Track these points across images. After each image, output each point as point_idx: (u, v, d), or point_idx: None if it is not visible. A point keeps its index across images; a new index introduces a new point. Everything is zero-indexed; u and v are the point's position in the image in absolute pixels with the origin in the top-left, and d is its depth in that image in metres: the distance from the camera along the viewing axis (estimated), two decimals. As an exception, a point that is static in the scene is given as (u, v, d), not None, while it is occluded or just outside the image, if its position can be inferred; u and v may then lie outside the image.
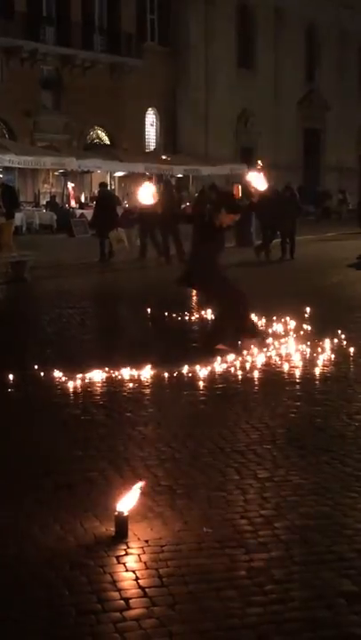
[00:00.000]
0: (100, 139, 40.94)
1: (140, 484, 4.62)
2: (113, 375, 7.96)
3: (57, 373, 7.95)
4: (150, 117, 43.45)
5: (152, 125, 43.73)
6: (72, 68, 37.87)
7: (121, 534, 4.28)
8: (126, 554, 4.13)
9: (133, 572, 3.94)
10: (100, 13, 39.40)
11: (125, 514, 4.32)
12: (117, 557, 4.09)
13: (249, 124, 47.66)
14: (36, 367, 8.17)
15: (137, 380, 7.85)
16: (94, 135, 40.86)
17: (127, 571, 3.96)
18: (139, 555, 4.12)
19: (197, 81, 44.13)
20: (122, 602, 3.66)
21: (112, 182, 37.92)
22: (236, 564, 4.06)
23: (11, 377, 7.87)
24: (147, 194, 15.17)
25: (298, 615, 3.59)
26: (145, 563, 4.03)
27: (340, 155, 53.77)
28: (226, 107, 44.68)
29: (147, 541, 4.27)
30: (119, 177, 39.39)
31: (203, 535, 4.36)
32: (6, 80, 35.78)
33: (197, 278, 9.40)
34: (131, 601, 3.66)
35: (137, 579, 3.87)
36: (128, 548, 4.19)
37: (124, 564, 4.03)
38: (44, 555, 4.14)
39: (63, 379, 7.83)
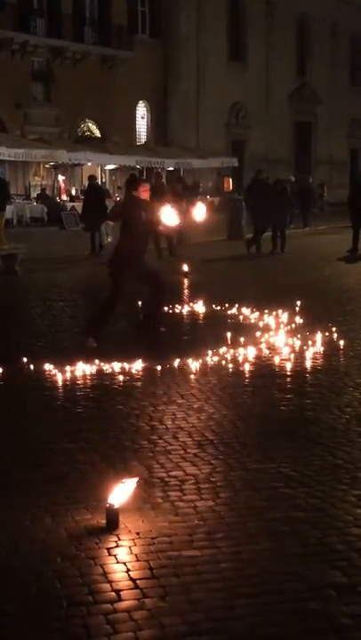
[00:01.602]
0: (90, 131, 40.79)
1: (136, 479, 4.62)
2: (104, 368, 7.96)
3: (48, 366, 7.94)
4: (141, 110, 43.32)
5: (143, 118, 43.60)
6: (63, 60, 37.69)
7: (112, 526, 4.29)
8: (117, 546, 4.14)
9: (124, 563, 3.95)
10: (90, 5, 39.19)
11: (116, 506, 4.33)
12: (108, 549, 4.10)
13: (240, 117, 47.59)
14: (26, 360, 8.16)
15: (128, 373, 7.85)
16: (85, 128, 40.71)
17: (118, 562, 3.97)
18: (130, 547, 4.12)
19: (188, 74, 44.01)
20: (113, 594, 3.66)
21: (103, 175, 37.82)
22: (227, 555, 4.06)
23: (0, 370, 7.86)
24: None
25: (288, 607, 3.60)
26: (136, 555, 4.04)
27: (331, 148, 53.81)
28: (217, 100, 44.58)
29: (138, 533, 4.27)
30: (110, 170, 39.31)
31: (193, 527, 4.37)
32: (-4, 72, 35.66)
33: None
34: (122, 592, 3.67)
35: (128, 570, 3.88)
36: (119, 539, 4.20)
37: (115, 555, 4.03)
38: (34, 546, 4.14)
39: (54, 371, 7.82)
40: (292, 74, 51.68)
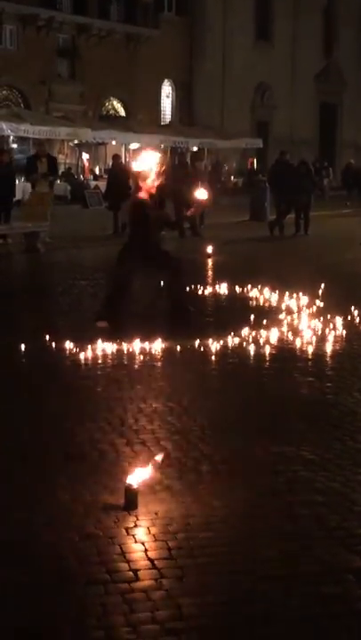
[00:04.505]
0: (115, 110, 40.68)
1: (155, 459, 4.63)
2: (124, 348, 7.95)
3: (69, 345, 7.93)
4: (166, 89, 43.11)
5: (168, 97, 43.41)
6: (88, 37, 37.55)
7: (130, 506, 4.29)
8: (136, 526, 4.14)
9: (142, 543, 3.95)
10: (117, -18, 39.08)
11: (135, 486, 4.32)
12: (127, 529, 4.10)
13: (265, 97, 47.25)
14: (47, 338, 8.16)
15: (148, 353, 7.84)
16: (109, 106, 40.60)
17: (136, 542, 3.97)
18: (148, 527, 4.13)
19: (214, 53, 43.70)
20: (130, 573, 3.67)
21: (127, 155, 37.73)
22: (244, 538, 4.06)
23: (22, 347, 7.87)
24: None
25: (305, 590, 3.59)
26: (154, 535, 4.04)
27: (356, 131, 53.31)
28: (242, 79, 44.25)
29: (156, 514, 4.27)
30: (134, 149, 39.22)
31: (211, 508, 4.37)
32: (22, 48, 35.57)
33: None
34: (139, 572, 3.67)
35: (146, 550, 3.88)
36: (137, 520, 4.20)
37: (133, 535, 4.04)
38: (53, 525, 4.15)
39: (75, 350, 7.82)
40: (319, 54, 51.13)
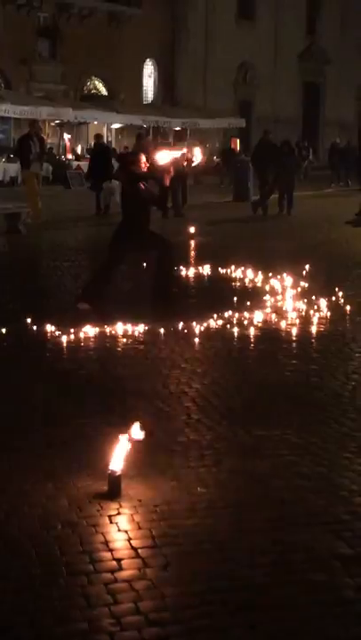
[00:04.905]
0: (97, 89, 40.32)
1: (138, 442, 4.55)
2: (107, 330, 7.87)
3: (51, 327, 7.84)
4: (148, 68, 42.77)
5: (150, 76, 43.08)
6: (69, 16, 37.14)
7: (113, 493, 4.22)
8: (119, 513, 4.07)
9: (126, 532, 3.89)
10: None
11: (118, 473, 4.26)
12: (110, 517, 4.03)
13: (248, 76, 46.98)
14: (29, 321, 8.05)
15: (131, 336, 7.76)
16: (91, 86, 40.24)
17: (120, 531, 3.91)
18: (131, 514, 4.06)
19: (196, 31, 43.36)
20: (114, 562, 3.60)
21: (109, 134, 37.42)
22: (229, 524, 4.00)
23: (4, 330, 7.77)
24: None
25: (292, 578, 3.54)
26: (138, 523, 3.98)
27: (340, 110, 53.13)
28: (225, 58, 43.94)
29: (140, 500, 4.21)
30: (116, 129, 38.92)
31: (196, 495, 4.31)
32: (2, 27, 35.15)
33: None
34: (123, 562, 3.61)
35: (129, 539, 3.82)
36: (121, 507, 4.14)
37: (116, 523, 3.97)
38: (36, 512, 4.08)
39: (57, 333, 7.73)
40: (302, 33, 50.84)
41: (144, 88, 42.80)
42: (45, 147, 21.10)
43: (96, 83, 40.36)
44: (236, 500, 4.27)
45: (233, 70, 45.92)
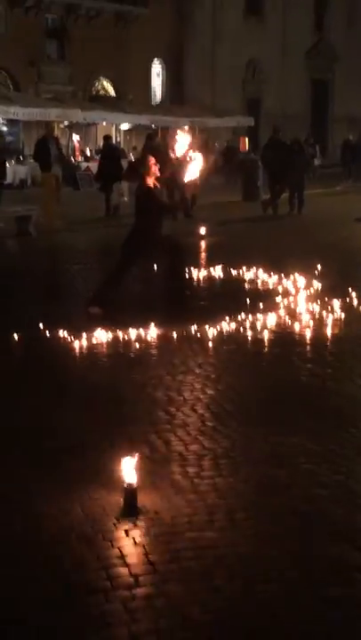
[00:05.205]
0: (105, 90, 40.25)
1: (151, 454, 4.47)
2: (119, 335, 7.79)
3: (63, 333, 7.75)
4: (156, 68, 42.66)
5: (158, 76, 42.97)
6: (77, 17, 37.11)
7: (130, 506, 4.13)
8: (135, 526, 3.99)
9: (143, 546, 3.81)
10: None
11: (134, 484, 4.16)
12: (126, 531, 3.95)
13: (256, 73, 46.81)
14: (41, 326, 7.97)
15: (143, 341, 7.68)
16: (99, 86, 40.16)
17: (136, 545, 3.82)
18: (148, 527, 3.98)
19: (204, 29, 43.21)
20: (131, 579, 3.52)
21: (117, 135, 37.34)
22: (248, 537, 3.92)
23: (15, 336, 7.69)
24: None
25: (312, 592, 3.47)
26: (155, 536, 3.90)
27: (349, 106, 52.89)
28: (233, 56, 43.77)
29: (156, 512, 4.13)
30: (125, 130, 38.85)
31: (213, 506, 4.23)
32: (10, 30, 35.12)
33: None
34: (140, 578, 3.53)
35: (146, 554, 3.74)
36: (137, 520, 4.05)
37: (133, 537, 3.89)
38: (49, 527, 4.00)
39: (69, 339, 7.64)
40: (310, 30, 50.69)
41: (152, 88, 42.72)
42: (61, 149, 21.14)
43: (104, 83, 40.30)
44: (254, 511, 4.19)
45: (241, 68, 45.75)
